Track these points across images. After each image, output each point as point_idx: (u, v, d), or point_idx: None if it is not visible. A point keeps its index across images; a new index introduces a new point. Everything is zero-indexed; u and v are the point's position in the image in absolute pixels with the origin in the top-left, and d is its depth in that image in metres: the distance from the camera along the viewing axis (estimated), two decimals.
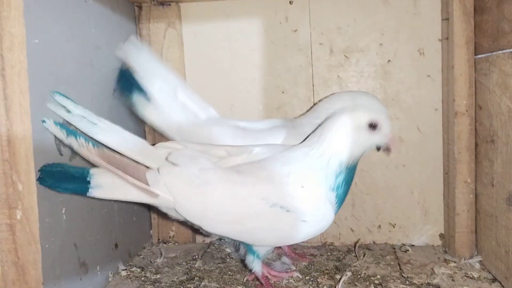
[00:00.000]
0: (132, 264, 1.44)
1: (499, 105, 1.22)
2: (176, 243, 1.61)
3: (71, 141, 1.01)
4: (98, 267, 1.26)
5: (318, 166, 1.06)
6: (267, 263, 1.33)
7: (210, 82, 1.57)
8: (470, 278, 1.27)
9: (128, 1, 1.50)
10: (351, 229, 1.59)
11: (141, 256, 1.51)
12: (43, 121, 0.98)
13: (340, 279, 1.24)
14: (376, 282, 1.25)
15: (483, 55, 1.31)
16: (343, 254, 1.47)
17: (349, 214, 1.57)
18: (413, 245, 1.53)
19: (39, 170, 0.96)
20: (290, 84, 1.55)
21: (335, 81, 1.54)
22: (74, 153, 1.09)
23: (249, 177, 1.04)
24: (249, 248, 1.18)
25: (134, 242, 1.50)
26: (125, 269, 1.38)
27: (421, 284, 1.23)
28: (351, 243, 1.58)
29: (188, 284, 1.29)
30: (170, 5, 1.54)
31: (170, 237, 1.62)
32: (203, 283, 1.28)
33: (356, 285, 1.24)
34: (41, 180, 0.95)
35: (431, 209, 1.54)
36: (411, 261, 1.41)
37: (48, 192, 1.01)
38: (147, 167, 1.04)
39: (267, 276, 1.23)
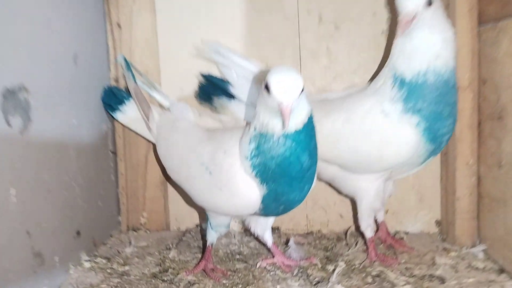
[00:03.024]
0: (96, 254, 1.27)
1: (509, 77, 1.10)
2: (147, 231, 1.45)
3: (128, 74, 1.28)
4: (56, 258, 1.09)
5: (243, 132, 1.00)
6: (282, 253, 1.21)
7: (186, 53, 1.41)
8: (475, 269, 1.15)
9: None
10: (340, 215, 1.46)
11: (108, 245, 1.34)
12: (116, 58, 1.37)
13: (334, 270, 1.11)
14: (374, 273, 1.12)
15: (490, 24, 1.18)
16: (333, 243, 1.34)
17: (338, 199, 1.44)
18: (407, 233, 1.41)
19: (104, 88, 1.35)
20: (274, 56, 1.40)
21: (324, 53, 1.39)
22: (25, 126, 0.97)
23: (201, 134, 1.12)
24: (206, 214, 1.17)
25: (99, 229, 1.34)
26: (89, 260, 1.21)
27: (423, 276, 1.11)
28: (340, 231, 1.45)
29: (161, 277, 1.13)
30: None
31: (141, 224, 1.46)
32: (178, 276, 1.13)
33: (351, 277, 1.11)
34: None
35: (426, 193, 1.42)
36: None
37: None
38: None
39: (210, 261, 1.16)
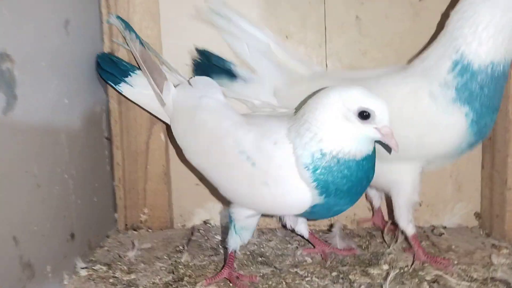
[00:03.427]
0: (94, 259, 1.07)
1: None
2: (149, 230, 1.25)
3: (126, 33, 1.13)
4: (48, 267, 0.89)
5: (296, 142, 0.87)
6: (322, 241, 1.12)
7: (193, 24, 1.21)
8: None
9: None
10: (368, 208, 1.29)
11: (105, 248, 1.14)
12: (108, 19, 1.16)
13: (380, 275, 0.95)
14: (428, 278, 0.96)
15: None
16: (366, 240, 1.18)
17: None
18: (445, 227, 1.26)
19: (98, 55, 1.14)
20: (296, 27, 1.22)
21: (353, 24, 1.21)
22: (9, 105, 0.78)
23: (238, 117, 0.97)
24: (228, 213, 1.02)
25: (94, 229, 1.14)
26: (86, 268, 1.02)
27: (485, 280, 0.96)
28: (369, 226, 1.28)
29: (177, 287, 0.95)
30: None
31: (141, 221, 1.26)
32: (197, 286, 0.94)
33: (404, 284, 0.94)
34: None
35: (465, 183, 1.26)
36: (452, 247, 1.13)
37: None
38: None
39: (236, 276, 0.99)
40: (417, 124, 0.97)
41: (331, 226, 1.25)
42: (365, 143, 0.85)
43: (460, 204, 1.27)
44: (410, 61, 1.08)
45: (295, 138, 0.86)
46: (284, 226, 1.14)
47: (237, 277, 0.97)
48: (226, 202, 1.27)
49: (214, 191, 1.26)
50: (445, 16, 1.11)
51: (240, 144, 0.91)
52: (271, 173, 0.88)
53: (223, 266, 1.00)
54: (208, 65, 1.20)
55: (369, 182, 0.90)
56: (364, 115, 0.82)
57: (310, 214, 0.93)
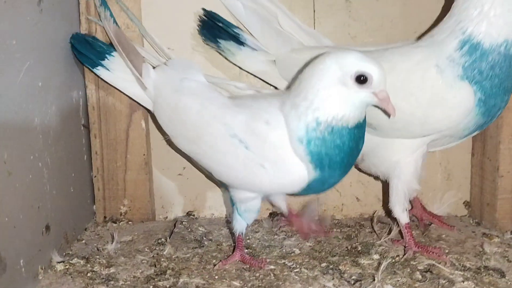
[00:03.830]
0: (71, 253, 1.02)
1: None
2: (130, 222, 1.19)
3: (101, 10, 1.07)
4: (21, 261, 0.83)
5: (290, 115, 0.86)
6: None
7: (175, 3, 1.16)
8: None
9: None
10: (357, 198, 1.26)
11: (83, 242, 1.08)
12: None
13: (372, 265, 0.92)
14: (421, 268, 0.93)
15: None
16: (354, 230, 1.14)
17: (354, 180, 1.24)
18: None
19: (72, 35, 1.07)
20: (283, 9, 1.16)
21: (343, 7, 1.17)
22: None
23: (224, 100, 0.95)
24: (229, 196, 1.01)
25: (71, 221, 1.07)
26: (62, 261, 0.96)
27: (478, 269, 0.93)
28: (356, 216, 1.25)
29: (159, 281, 0.90)
30: None
31: (121, 213, 1.20)
32: (181, 280, 0.89)
33: (396, 274, 0.91)
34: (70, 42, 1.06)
35: (455, 171, 1.24)
36: (443, 236, 1.10)
37: None
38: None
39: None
40: (423, 97, 0.94)
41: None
42: (360, 108, 0.85)
43: (450, 192, 1.24)
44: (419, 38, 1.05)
45: (290, 111, 0.85)
46: (271, 214, 1.15)
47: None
48: (212, 192, 1.24)
49: (198, 181, 1.22)
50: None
51: (230, 128, 0.89)
52: (266, 154, 0.87)
53: (233, 249, 0.99)
54: (215, 27, 1.13)
55: (359, 152, 0.91)
56: (361, 80, 0.82)
57: (306, 190, 0.92)
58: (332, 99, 0.83)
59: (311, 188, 0.90)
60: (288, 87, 1.04)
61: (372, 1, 1.17)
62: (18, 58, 0.84)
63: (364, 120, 0.88)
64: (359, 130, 0.86)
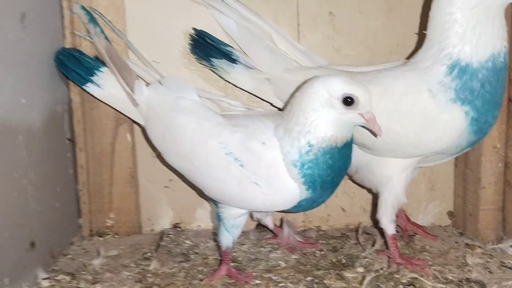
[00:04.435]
0: (57, 269, 1.01)
1: None
2: (116, 235, 1.19)
3: (89, 26, 1.07)
4: (6, 280, 0.84)
5: (284, 140, 0.90)
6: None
7: (159, 17, 1.16)
8: (510, 268, 1.00)
9: None
10: (342, 208, 1.27)
11: (69, 257, 1.08)
12: (72, 10, 1.09)
13: (362, 281, 0.93)
14: (404, 281, 0.94)
15: None
16: (340, 242, 1.15)
17: (339, 191, 1.25)
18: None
19: (58, 50, 1.07)
20: None
21: (327, 20, 1.18)
22: None
23: (220, 119, 0.96)
24: (217, 212, 1.01)
25: (57, 237, 1.07)
26: (48, 278, 0.96)
27: (460, 281, 0.94)
28: (342, 227, 1.26)
29: None
30: None
31: (107, 227, 1.20)
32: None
33: (380, 287, 0.92)
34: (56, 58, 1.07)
35: (438, 182, 1.26)
36: (426, 247, 1.12)
37: None
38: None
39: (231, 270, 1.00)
40: (415, 121, 0.95)
41: (307, 229, 1.24)
42: (348, 128, 0.89)
43: (434, 203, 1.27)
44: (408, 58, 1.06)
45: (283, 136, 0.89)
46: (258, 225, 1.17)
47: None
48: (199, 204, 1.25)
49: (184, 193, 1.22)
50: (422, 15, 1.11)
51: (227, 146, 0.91)
52: (261, 173, 0.89)
53: (220, 263, 1.00)
54: (206, 45, 1.14)
55: (347, 170, 0.94)
56: (348, 101, 0.85)
57: (295, 208, 0.94)
58: (322, 121, 0.86)
59: (301, 206, 0.93)
60: (283, 109, 1.06)
61: (355, 14, 1.18)
62: (1, 76, 0.84)
63: (351, 139, 0.91)
64: (347, 149, 0.90)
